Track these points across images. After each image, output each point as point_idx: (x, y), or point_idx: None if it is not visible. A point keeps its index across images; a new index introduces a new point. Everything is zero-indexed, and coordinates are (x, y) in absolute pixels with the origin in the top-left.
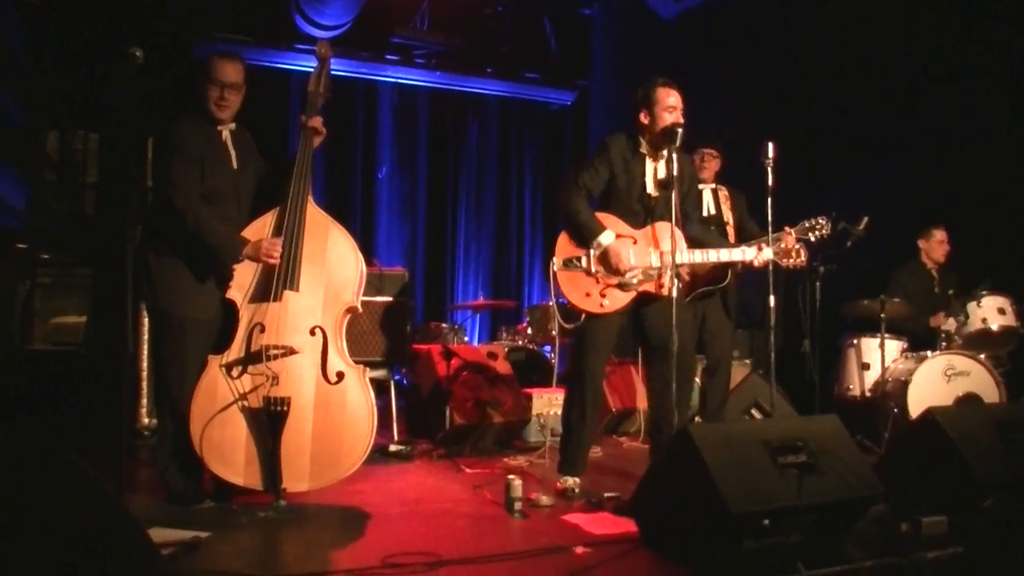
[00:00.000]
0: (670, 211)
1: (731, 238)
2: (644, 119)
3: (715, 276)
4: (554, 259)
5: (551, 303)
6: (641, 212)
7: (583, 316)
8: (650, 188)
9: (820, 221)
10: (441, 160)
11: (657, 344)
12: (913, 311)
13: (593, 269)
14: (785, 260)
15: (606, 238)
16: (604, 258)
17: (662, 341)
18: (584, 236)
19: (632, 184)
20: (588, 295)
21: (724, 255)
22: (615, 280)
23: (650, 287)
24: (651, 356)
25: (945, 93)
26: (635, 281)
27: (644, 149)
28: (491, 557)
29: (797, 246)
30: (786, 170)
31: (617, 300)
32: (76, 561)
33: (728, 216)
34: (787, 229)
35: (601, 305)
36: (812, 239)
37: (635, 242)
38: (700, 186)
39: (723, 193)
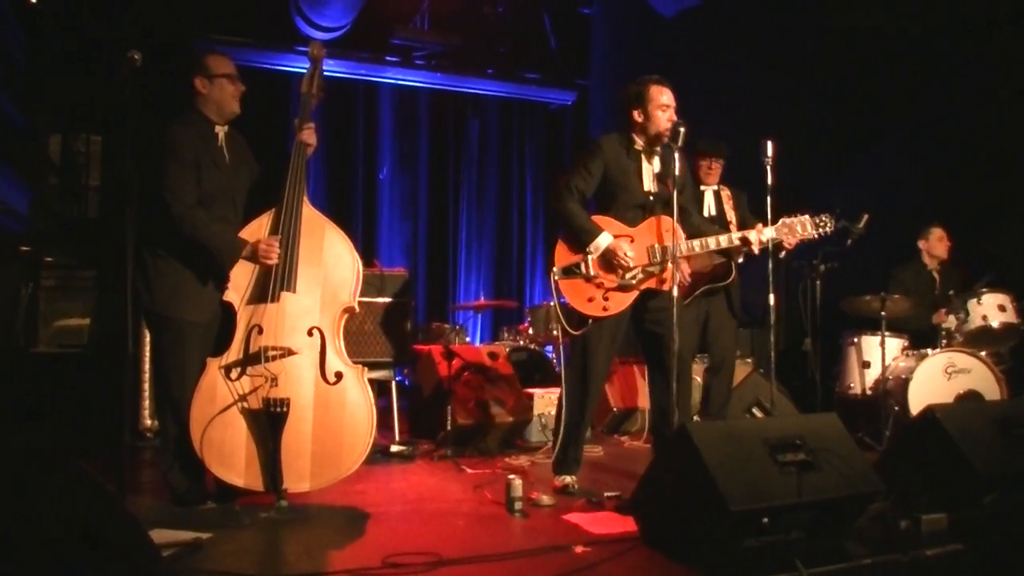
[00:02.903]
0: (667, 208)
1: None
2: (638, 117)
3: (718, 273)
4: (554, 268)
5: (553, 304)
6: (638, 210)
7: (589, 321)
8: (647, 185)
9: (824, 218)
10: (442, 160)
11: (658, 343)
12: (914, 308)
13: (593, 273)
14: (790, 238)
15: (604, 240)
16: (605, 259)
17: (664, 340)
18: (582, 240)
19: (628, 182)
20: (591, 300)
21: (723, 240)
22: (616, 282)
23: (651, 284)
24: (652, 354)
25: (945, 89)
26: (634, 281)
27: (639, 147)
28: (491, 556)
29: (802, 219)
30: (787, 167)
31: (619, 302)
32: (77, 562)
33: (731, 215)
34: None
35: (604, 309)
36: (817, 236)
37: (632, 240)
38: (703, 187)
39: (725, 193)
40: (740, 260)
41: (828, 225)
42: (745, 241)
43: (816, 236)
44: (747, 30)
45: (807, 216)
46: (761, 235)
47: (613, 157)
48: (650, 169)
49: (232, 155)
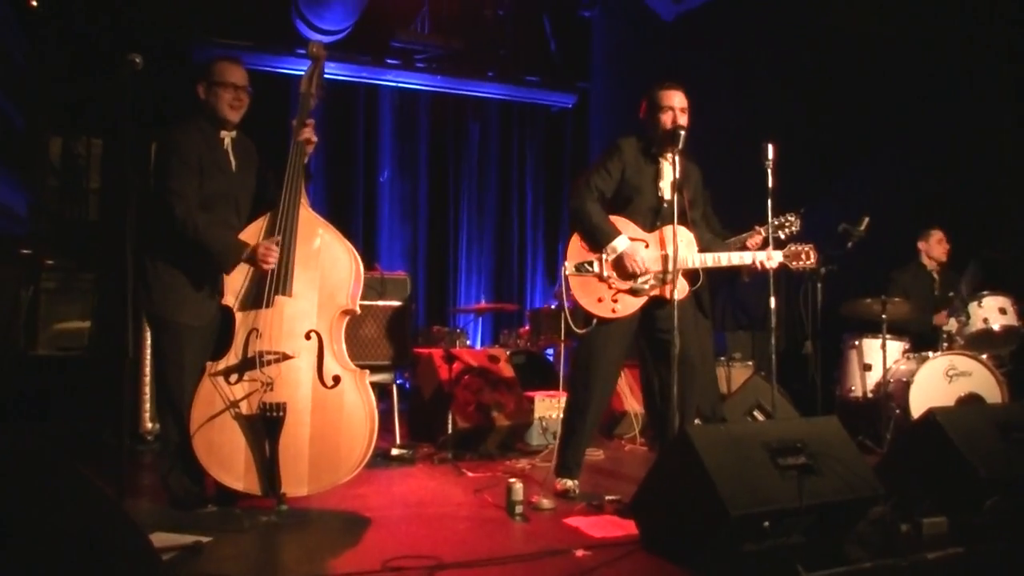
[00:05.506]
0: (682, 217)
1: None
2: (648, 120)
3: (690, 279)
4: (566, 263)
5: (562, 301)
6: (651, 215)
7: (594, 321)
8: (662, 191)
9: (789, 219)
10: (442, 164)
11: (667, 349)
12: (915, 311)
13: (605, 274)
14: (795, 263)
15: (621, 243)
16: (619, 263)
17: (670, 344)
18: (598, 240)
19: (643, 186)
20: (600, 300)
21: (735, 258)
22: (627, 285)
23: (661, 292)
24: (656, 359)
25: (947, 93)
26: (647, 286)
27: (655, 151)
28: (492, 560)
29: (807, 248)
30: (787, 171)
31: (628, 305)
32: (75, 566)
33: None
34: (757, 228)
35: (613, 310)
36: (782, 236)
37: (647, 245)
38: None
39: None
40: (746, 279)
41: (793, 225)
42: (752, 262)
43: (816, 265)
44: (747, 33)
45: (811, 245)
46: (770, 261)
47: (632, 159)
48: (667, 175)
49: (238, 160)
